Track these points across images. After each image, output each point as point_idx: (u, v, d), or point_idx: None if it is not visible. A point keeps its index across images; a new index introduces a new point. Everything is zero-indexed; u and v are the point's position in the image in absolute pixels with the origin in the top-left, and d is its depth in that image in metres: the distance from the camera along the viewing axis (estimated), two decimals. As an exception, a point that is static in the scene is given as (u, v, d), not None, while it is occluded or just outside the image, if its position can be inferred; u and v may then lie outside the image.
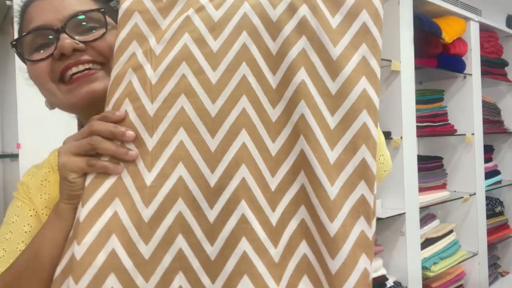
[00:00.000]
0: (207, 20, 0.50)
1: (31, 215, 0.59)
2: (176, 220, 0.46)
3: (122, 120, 0.49)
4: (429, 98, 2.23)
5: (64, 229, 0.49)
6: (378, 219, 1.74)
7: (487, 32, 2.57)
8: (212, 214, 0.46)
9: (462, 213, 2.37)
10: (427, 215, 2.17)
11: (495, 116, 2.68)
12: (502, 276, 2.73)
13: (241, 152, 0.47)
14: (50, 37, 0.54)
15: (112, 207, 0.47)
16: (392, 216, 1.79)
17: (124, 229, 0.46)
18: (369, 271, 0.45)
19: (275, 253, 0.46)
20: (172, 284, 0.45)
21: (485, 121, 2.48)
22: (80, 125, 1.05)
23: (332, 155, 0.46)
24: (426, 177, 2.11)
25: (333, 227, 0.44)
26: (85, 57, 0.55)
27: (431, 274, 1.99)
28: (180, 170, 0.47)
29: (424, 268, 1.97)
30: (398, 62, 1.83)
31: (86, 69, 0.55)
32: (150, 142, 0.48)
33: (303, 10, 0.49)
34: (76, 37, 0.54)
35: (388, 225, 1.89)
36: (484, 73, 2.44)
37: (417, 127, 1.94)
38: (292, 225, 0.47)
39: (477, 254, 2.31)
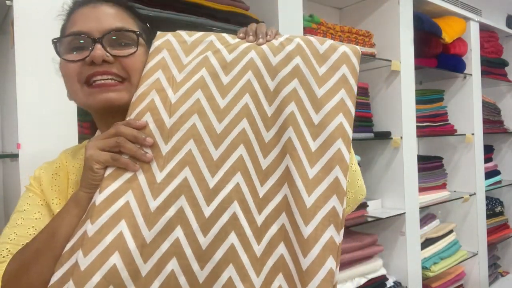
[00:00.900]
0: (221, 60, 0.64)
1: (41, 204, 0.66)
2: (177, 213, 0.54)
3: (142, 128, 0.59)
4: (429, 98, 2.23)
5: (79, 215, 0.57)
6: (378, 219, 1.74)
7: (487, 32, 2.57)
8: (208, 210, 0.54)
9: (462, 213, 2.37)
10: (427, 215, 2.18)
11: (495, 116, 2.68)
12: (502, 276, 2.73)
13: (238, 162, 0.57)
14: (87, 43, 0.62)
15: (125, 197, 0.55)
16: (392, 216, 1.80)
17: (132, 215, 0.54)
18: (334, 271, 0.52)
19: (257, 249, 0.54)
20: (166, 267, 0.52)
21: (485, 121, 2.49)
22: (80, 126, 1.05)
23: (311, 172, 0.56)
24: (426, 177, 2.11)
25: (307, 230, 0.53)
26: (111, 69, 0.62)
27: (431, 274, 1.99)
28: (186, 172, 0.56)
29: (424, 268, 1.97)
30: (398, 62, 1.83)
31: (108, 79, 0.63)
32: (165, 148, 0.58)
33: (297, 60, 0.63)
34: (108, 50, 0.62)
35: (388, 225, 1.89)
36: (484, 73, 2.45)
37: (417, 127, 1.94)
38: (274, 228, 0.55)
39: (477, 254, 2.31)
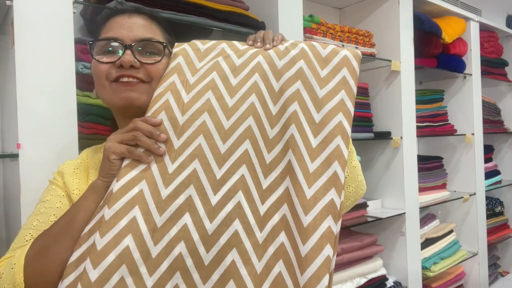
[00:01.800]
0: (231, 64, 0.71)
1: (63, 195, 0.72)
2: (186, 200, 0.60)
3: (158, 125, 0.65)
4: (429, 98, 2.23)
5: (97, 201, 0.63)
6: (378, 219, 1.75)
7: (487, 32, 2.57)
8: (214, 199, 0.59)
9: (462, 213, 2.37)
10: (427, 215, 2.18)
11: (495, 116, 2.68)
12: (502, 276, 2.73)
13: (243, 155, 0.62)
14: (118, 48, 0.70)
15: (139, 185, 0.61)
16: (392, 216, 1.80)
17: (145, 202, 0.60)
18: (331, 258, 0.56)
19: (260, 236, 0.58)
20: (174, 250, 0.57)
21: (485, 121, 2.49)
22: (80, 126, 1.05)
23: (312, 166, 0.61)
24: (426, 177, 2.11)
25: (306, 220, 0.57)
26: (136, 74, 0.70)
27: (431, 274, 1.99)
28: (195, 164, 0.62)
29: (424, 268, 1.97)
30: (398, 62, 1.83)
31: (132, 80, 0.71)
32: (177, 143, 0.64)
33: (301, 63, 0.68)
34: (137, 56, 0.70)
35: (388, 225, 1.89)
36: (484, 73, 2.45)
37: (417, 127, 1.94)
38: (276, 218, 0.59)
39: (477, 254, 2.31)
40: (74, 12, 1.03)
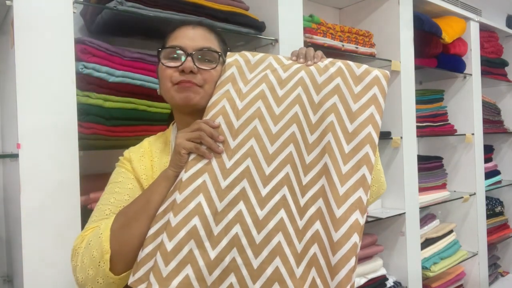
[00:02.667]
0: (277, 77, 0.83)
1: (132, 178, 0.84)
2: (241, 191, 0.73)
3: (217, 127, 0.77)
4: (429, 98, 2.23)
5: (168, 187, 0.76)
6: (378, 219, 1.75)
7: (487, 32, 2.57)
8: (264, 191, 0.73)
9: (462, 213, 2.37)
10: (427, 215, 2.18)
11: (495, 116, 2.68)
12: (502, 276, 2.74)
13: (288, 157, 0.75)
14: (182, 55, 0.82)
15: (203, 177, 0.74)
16: (392, 216, 1.80)
17: (208, 191, 0.73)
18: (358, 245, 0.68)
19: (300, 223, 0.71)
20: (232, 231, 0.70)
21: (485, 121, 2.49)
22: (80, 125, 1.05)
23: (345, 168, 0.73)
24: (426, 177, 2.11)
25: (339, 212, 0.69)
26: (194, 78, 0.82)
27: (431, 274, 1.99)
28: (248, 162, 0.75)
29: (424, 268, 1.97)
30: (398, 62, 1.83)
31: (190, 82, 0.82)
32: (233, 144, 0.77)
33: (338, 80, 0.80)
34: (196, 63, 0.81)
35: (388, 225, 1.89)
36: (484, 73, 2.45)
37: (417, 127, 1.95)
38: (313, 209, 0.72)
39: (477, 254, 2.31)
40: (74, 12, 1.03)
